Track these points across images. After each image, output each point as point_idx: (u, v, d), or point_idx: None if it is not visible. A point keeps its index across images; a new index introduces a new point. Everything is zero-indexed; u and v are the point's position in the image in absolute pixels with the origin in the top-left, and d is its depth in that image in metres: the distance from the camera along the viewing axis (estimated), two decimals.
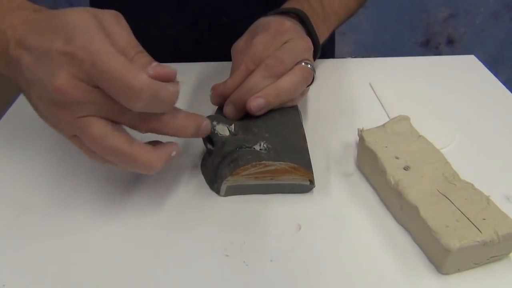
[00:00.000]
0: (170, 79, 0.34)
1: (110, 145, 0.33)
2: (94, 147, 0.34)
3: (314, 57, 0.50)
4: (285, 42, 0.46)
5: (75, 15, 0.33)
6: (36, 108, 0.36)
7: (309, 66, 0.45)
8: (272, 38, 0.45)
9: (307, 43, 0.48)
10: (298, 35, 0.47)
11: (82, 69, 0.32)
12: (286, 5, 0.54)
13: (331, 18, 0.57)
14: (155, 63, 0.34)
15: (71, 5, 1.58)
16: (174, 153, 0.37)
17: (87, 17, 0.33)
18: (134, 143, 0.34)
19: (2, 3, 0.37)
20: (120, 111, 0.34)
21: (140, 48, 0.36)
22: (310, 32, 0.50)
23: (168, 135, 0.36)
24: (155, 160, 0.35)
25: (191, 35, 0.65)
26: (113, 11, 0.36)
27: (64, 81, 0.32)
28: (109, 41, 0.32)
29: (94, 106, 0.33)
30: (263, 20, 0.49)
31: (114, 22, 0.35)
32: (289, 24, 0.47)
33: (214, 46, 0.62)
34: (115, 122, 0.34)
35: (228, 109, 0.44)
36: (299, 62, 0.45)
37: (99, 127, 0.33)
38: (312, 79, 0.47)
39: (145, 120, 0.35)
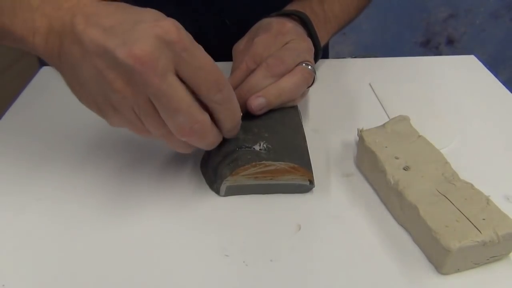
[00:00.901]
0: None
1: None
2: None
3: (315, 60, 0.50)
4: (287, 43, 0.46)
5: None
6: (88, 86, 0.34)
7: (309, 67, 0.45)
8: (273, 38, 0.46)
9: (308, 44, 0.48)
10: (299, 36, 0.47)
11: (170, 48, 0.32)
12: (288, 8, 0.54)
13: (331, 22, 0.57)
14: None
15: None
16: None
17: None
18: None
19: None
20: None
21: None
22: (311, 34, 0.51)
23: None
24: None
25: (195, 32, 0.65)
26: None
27: (146, 50, 0.31)
28: None
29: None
30: (264, 21, 0.49)
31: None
32: (290, 26, 0.47)
33: (216, 45, 0.62)
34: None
35: None
36: (300, 63, 0.45)
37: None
38: (312, 80, 0.47)
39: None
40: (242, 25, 0.51)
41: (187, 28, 0.34)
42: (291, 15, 0.51)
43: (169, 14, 0.36)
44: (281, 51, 0.45)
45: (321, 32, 0.54)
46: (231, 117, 0.38)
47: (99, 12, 0.34)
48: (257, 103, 0.43)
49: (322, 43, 0.54)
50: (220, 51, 0.56)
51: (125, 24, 0.33)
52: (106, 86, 0.33)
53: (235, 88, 0.44)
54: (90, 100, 0.36)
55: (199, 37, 0.60)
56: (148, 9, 0.34)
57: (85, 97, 0.36)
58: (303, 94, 0.48)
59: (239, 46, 0.48)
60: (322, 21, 0.55)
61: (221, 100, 0.36)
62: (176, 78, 0.33)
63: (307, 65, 0.45)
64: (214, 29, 0.65)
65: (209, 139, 0.37)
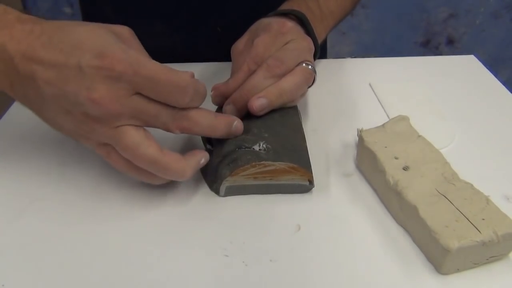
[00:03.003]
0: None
1: (143, 153, 0.35)
2: (128, 155, 0.35)
3: (314, 58, 0.50)
4: (287, 43, 0.46)
5: (91, 31, 0.34)
6: (54, 122, 0.37)
7: (310, 67, 0.45)
8: (273, 39, 0.46)
9: (309, 43, 0.48)
10: (299, 36, 0.47)
11: (122, 80, 0.33)
12: (284, 6, 0.54)
13: (328, 19, 0.57)
14: None
15: (71, 5, 1.58)
16: (202, 160, 0.39)
17: (104, 32, 0.34)
18: (164, 151, 0.36)
19: None
20: (155, 115, 0.35)
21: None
22: (309, 33, 0.51)
23: (199, 134, 0.38)
24: (185, 168, 0.37)
25: (186, 44, 0.65)
26: (125, 27, 0.37)
27: (102, 94, 0.33)
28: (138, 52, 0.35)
29: (130, 115, 0.34)
30: (263, 21, 0.49)
31: (131, 37, 0.37)
32: (290, 25, 0.47)
33: (211, 54, 0.62)
34: (147, 131, 0.36)
35: (229, 109, 0.44)
36: (300, 63, 0.45)
37: (133, 136, 0.35)
38: (313, 80, 0.47)
39: (176, 120, 0.36)
40: (234, 30, 0.51)
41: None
42: (289, 15, 0.51)
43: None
44: (281, 51, 0.45)
45: (318, 29, 0.53)
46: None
47: (36, 49, 0.33)
48: (258, 103, 0.43)
49: (320, 40, 0.54)
50: (211, 57, 0.56)
51: (69, 62, 0.33)
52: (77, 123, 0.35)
53: (236, 89, 0.44)
54: (63, 129, 0.37)
55: (189, 47, 0.60)
56: (84, 26, 0.35)
57: (57, 127, 0.38)
58: (303, 94, 0.48)
59: (239, 46, 0.48)
60: (319, 18, 0.55)
61: (190, 101, 0.36)
62: (140, 96, 0.34)
63: (307, 65, 0.45)
64: (204, 38, 0.65)
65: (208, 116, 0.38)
